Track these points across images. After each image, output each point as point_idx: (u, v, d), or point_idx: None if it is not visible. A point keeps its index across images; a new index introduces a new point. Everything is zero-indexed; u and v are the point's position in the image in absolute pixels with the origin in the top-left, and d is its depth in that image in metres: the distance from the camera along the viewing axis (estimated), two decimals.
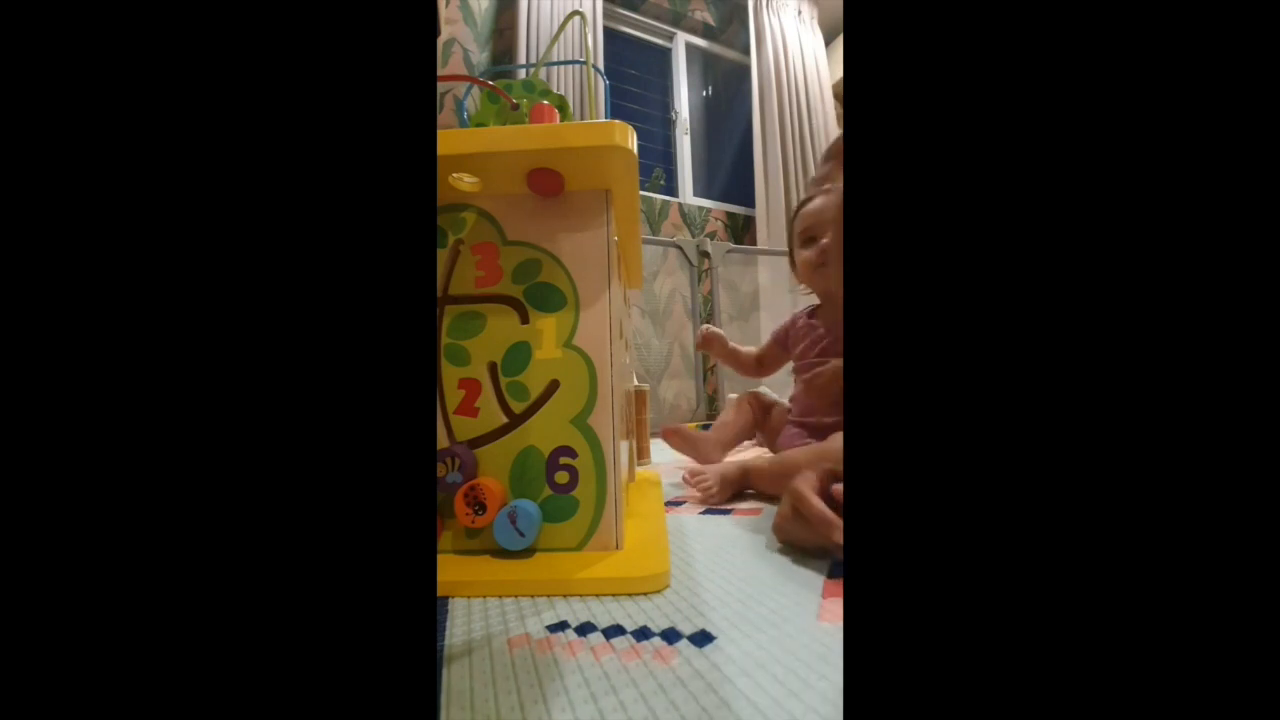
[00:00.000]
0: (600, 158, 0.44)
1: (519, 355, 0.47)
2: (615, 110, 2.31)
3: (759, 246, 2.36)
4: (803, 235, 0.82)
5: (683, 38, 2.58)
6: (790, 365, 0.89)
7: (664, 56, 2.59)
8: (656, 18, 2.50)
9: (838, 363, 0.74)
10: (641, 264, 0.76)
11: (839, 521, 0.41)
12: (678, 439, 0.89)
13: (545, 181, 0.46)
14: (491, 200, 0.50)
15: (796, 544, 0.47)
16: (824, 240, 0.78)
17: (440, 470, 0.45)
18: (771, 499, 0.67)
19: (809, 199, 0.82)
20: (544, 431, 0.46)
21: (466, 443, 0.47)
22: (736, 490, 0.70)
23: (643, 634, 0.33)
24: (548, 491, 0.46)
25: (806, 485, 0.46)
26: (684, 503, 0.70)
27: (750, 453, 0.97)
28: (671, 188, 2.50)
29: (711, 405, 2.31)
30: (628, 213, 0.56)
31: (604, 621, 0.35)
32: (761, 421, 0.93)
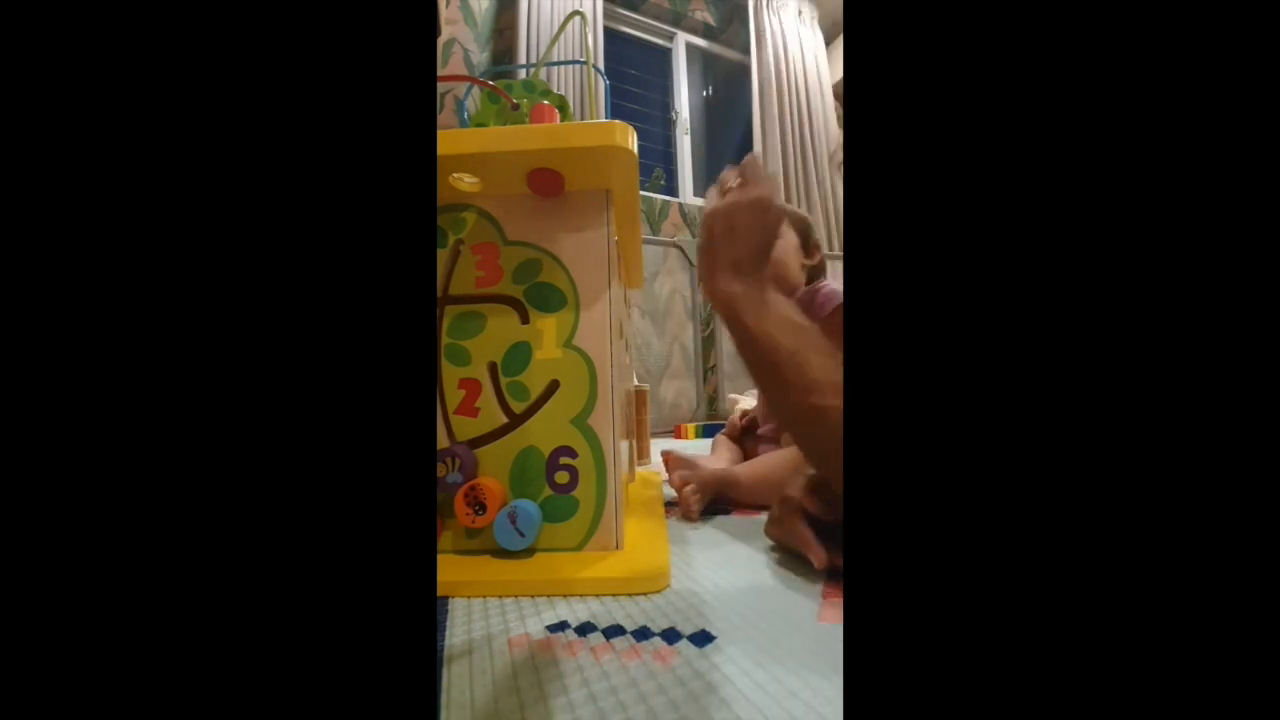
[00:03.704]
0: (600, 158, 0.44)
1: (519, 355, 0.47)
2: (615, 110, 2.31)
3: None
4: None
5: (683, 38, 2.59)
6: None
7: (664, 56, 2.59)
8: (656, 18, 2.50)
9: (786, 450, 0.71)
10: (641, 264, 0.76)
11: (818, 547, 0.43)
12: (675, 462, 0.87)
13: (545, 181, 0.46)
14: (492, 200, 0.50)
15: (786, 547, 0.47)
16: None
17: (440, 470, 0.45)
18: (748, 507, 0.66)
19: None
20: (544, 431, 0.46)
21: (466, 443, 0.47)
22: (714, 500, 0.68)
23: (643, 634, 0.33)
24: (548, 491, 0.46)
25: (792, 502, 0.46)
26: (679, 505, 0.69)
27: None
28: (671, 188, 2.50)
29: (711, 405, 2.31)
30: (628, 213, 0.56)
31: (604, 621, 0.35)
32: (745, 450, 0.92)
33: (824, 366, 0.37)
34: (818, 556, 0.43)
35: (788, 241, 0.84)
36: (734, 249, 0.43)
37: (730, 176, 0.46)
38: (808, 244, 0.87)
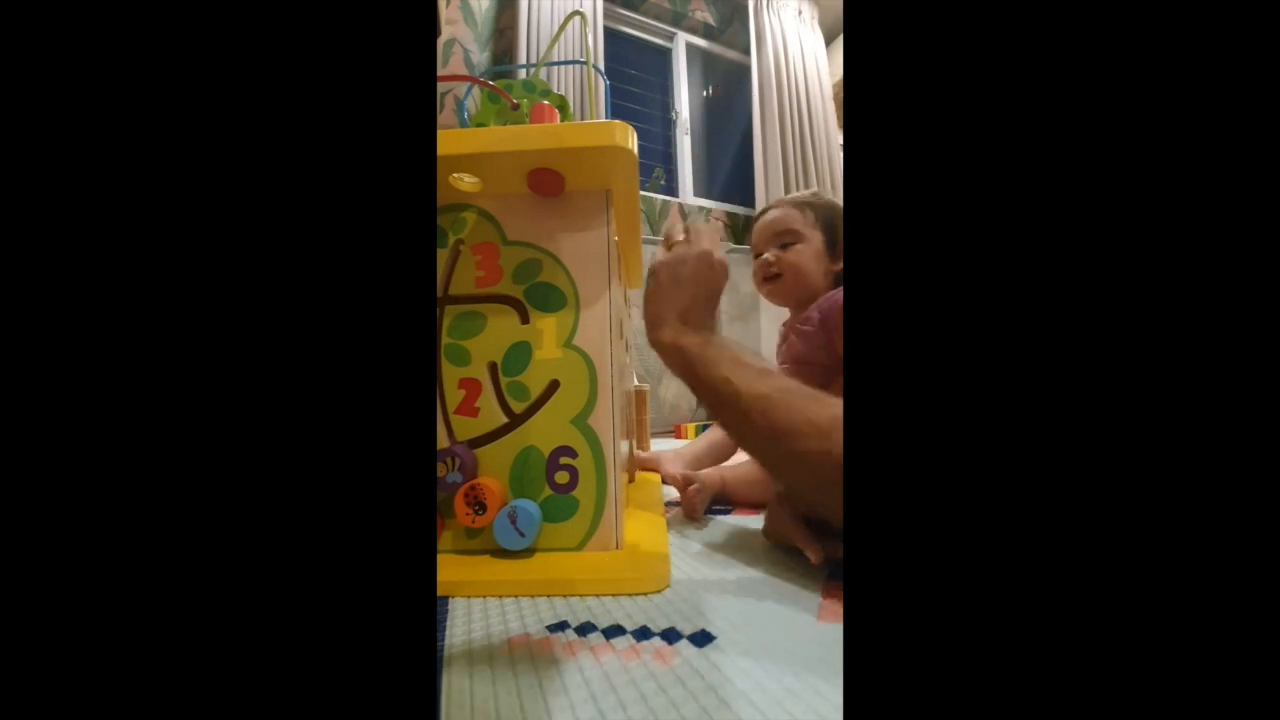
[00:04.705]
0: (600, 158, 0.44)
1: (519, 355, 0.47)
2: (615, 110, 2.30)
3: (751, 248, 2.35)
4: (754, 249, 0.80)
5: (683, 38, 2.58)
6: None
7: (664, 56, 2.59)
8: (656, 18, 2.50)
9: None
10: (642, 264, 0.76)
11: (814, 543, 0.44)
12: (650, 464, 0.85)
13: (545, 181, 0.46)
14: (492, 200, 0.50)
15: (785, 545, 0.48)
16: (765, 255, 0.75)
17: (440, 470, 0.45)
18: (749, 506, 0.66)
19: (764, 211, 0.79)
20: (544, 431, 0.46)
21: (466, 443, 0.47)
22: (715, 499, 0.67)
23: (643, 634, 0.33)
24: (548, 491, 0.46)
25: (783, 502, 0.47)
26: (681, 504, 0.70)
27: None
28: (671, 188, 2.50)
29: None
30: (628, 213, 0.56)
31: (604, 621, 0.35)
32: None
33: (798, 409, 0.36)
34: (814, 552, 0.43)
35: (810, 245, 0.73)
36: (680, 299, 0.44)
37: (675, 230, 0.48)
38: (836, 245, 0.73)
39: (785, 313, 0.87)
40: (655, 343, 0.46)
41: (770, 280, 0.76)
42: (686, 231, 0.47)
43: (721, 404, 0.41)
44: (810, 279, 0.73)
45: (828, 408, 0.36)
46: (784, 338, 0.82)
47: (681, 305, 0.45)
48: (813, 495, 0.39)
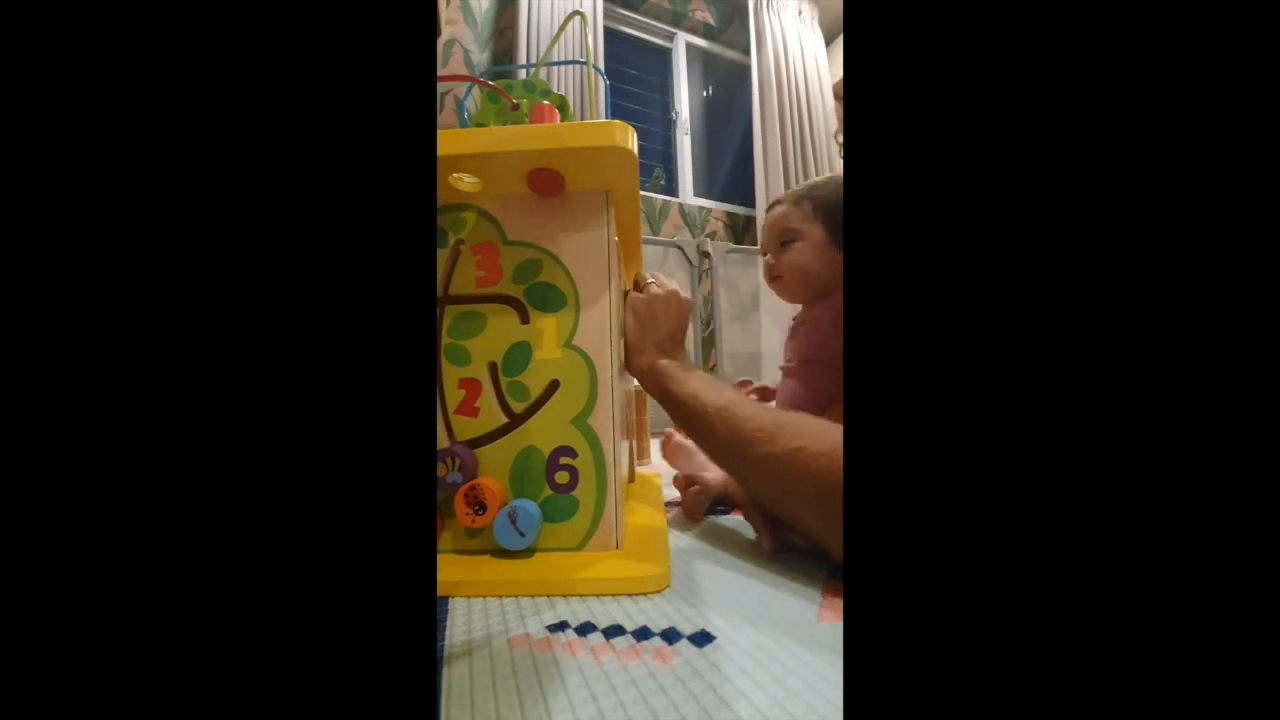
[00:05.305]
0: (600, 158, 0.44)
1: (519, 355, 0.47)
2: (615, 110, 2.30)
3: (759, 247, 2.36)
4: (761, 249, 0.79)
5: (683, 38, 2.59)
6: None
7: (664, 56, 2.59)
8: (656, 18, 2.50)
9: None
10: (642, 264, 0.76)
11: (766, 532, 0.48)
12: (676, 453, 0.85)
13: (545, 182, 0.46)
14: (492, 200, 0.49)
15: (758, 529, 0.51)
16: (767, 257, 0.75)
17: (440, 470, 0.45)
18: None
19: (774, 204, 0.77)
20: (544, 431, 0.46)
21: (466, 443, 0.47)
22: (717, 499, 0.67)
23: (643, 634, 0.33)
24: (548, 491, 0.46)
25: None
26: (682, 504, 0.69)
27: None
28: (672, 188, 2.50)
29: None
30: (628, 213, 0.56)
31: (604, 621, 0.35)
32: None
33: (751, 417, 0.43)
34: (766, 539, 0.48)
35: (810, 240, 0.70)
36: (657, 331, 0.53)
37: (644, 275, 0.58)
38: (840, 237, 0.69)
39: (784, 314, 0.87)
40: (634, 368, 0.53)
41: (776, 280, 0.76)
42: (654, 277, 0.57)
43: (691, 416, 0.48)
44: (813, 275, 0.72)
45: (775, 415, 0.42)
46: (793, 332, 0.81)
47: (658, 337, 0.53)
48: (765, 496, 0.44)
